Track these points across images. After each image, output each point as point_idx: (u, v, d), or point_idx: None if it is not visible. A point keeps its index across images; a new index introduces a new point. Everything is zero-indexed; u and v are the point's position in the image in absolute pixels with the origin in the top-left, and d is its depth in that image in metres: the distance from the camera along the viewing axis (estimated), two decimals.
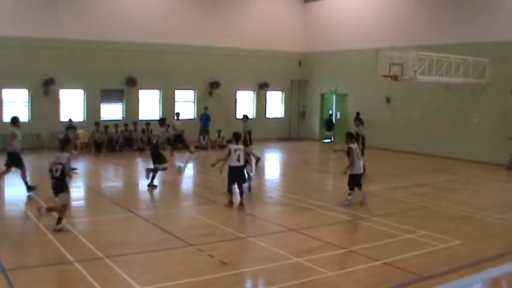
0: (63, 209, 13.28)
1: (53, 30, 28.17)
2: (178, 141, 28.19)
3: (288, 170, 25.12)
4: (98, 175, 23.32)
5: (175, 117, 28.96)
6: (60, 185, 13.32)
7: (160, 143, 19.23)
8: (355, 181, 16.41)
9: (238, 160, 15.88)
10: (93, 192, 18.83)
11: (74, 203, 16.98)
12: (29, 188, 17.88)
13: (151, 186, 18.57)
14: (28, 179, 18.17)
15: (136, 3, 31.12)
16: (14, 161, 17.85)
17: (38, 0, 28.12)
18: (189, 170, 24.99)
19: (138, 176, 22.12)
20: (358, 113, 26.09)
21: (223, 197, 16.64)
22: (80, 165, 24.41)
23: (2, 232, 13.40)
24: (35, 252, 11.60)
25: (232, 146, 16.08)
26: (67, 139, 15.88)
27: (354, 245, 12.30)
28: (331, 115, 35.85)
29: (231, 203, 15.96)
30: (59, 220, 13.16)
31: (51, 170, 13.36)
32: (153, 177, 18.52)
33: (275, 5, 36.32)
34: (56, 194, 13.40)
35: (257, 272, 10.66)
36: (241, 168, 16.18)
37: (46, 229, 13.02)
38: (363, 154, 19.01)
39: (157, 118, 27.18)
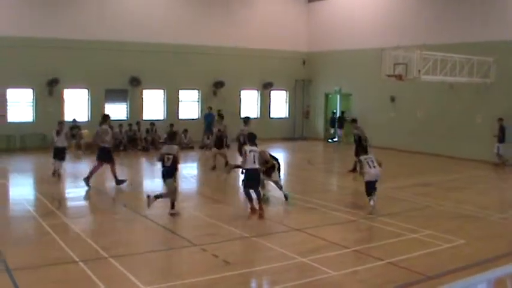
0: (173, 194, 15.02)
1: (57, 30, 28.22)
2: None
3: (292, 169, 25.10)
4: (102, 175, 23.29)
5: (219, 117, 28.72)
6: (170, 173, 14.99)
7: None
8: (369, 187, 16.07)
9: (254, 162, 14.88)
10: (97, 191, 18.83)
11: (78, 202, 17.12)
12: (119, 182, 19.10)
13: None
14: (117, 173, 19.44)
15: (140, 3, 31.15)
16: (106, 156, 19.19)
17: (42, 0, 28.16)
18: (193, 170, 24.98)
19: (142, 176, 22.14)
20: (353, 119, 25.39)
21: (227, 196, 16.64)
22: (84, 165, 24.44)
23: (7, 232, 13.43)
24: (39, 251, 11.61)
25: (247, 148, 15.14)
26: (174, 132, 17.25)
27: (358, 245, 12.29)
28: (334, 113, 35.74)
29: (253, 210, 14.81)
30: (172, 205, 14.94)
31: (162, 160, 15.03)
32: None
33: (279, 5, 36.30)
34: (165, 181, 15.03)
35: (261, 271, 10.66)
36: (257, 170, 15.10)
37: (50, 228, 13.06)
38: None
39: (161, 118, 27.18)
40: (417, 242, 12.73)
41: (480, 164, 25.61)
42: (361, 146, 21.34)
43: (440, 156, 27.50)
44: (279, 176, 17.15)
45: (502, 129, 25.08)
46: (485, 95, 26.30)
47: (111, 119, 29.30)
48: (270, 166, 16.16)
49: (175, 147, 15.29)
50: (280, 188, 16.53)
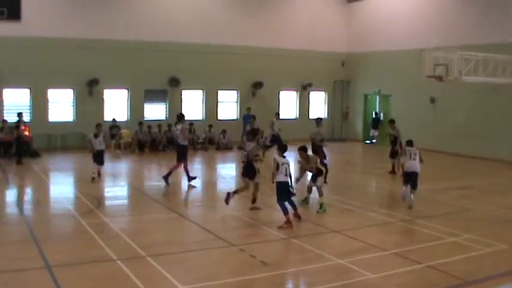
0: (255, 190, 15.83)
1: (96, 31, 28.54)
2: (275, 141, 26.52)
3: (331, 171, 24.94)
4: (141, 174, 23.53)
5: (276, 117, 28.93)
6: (247, 169, 15.78)
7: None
8: (406, 178, 16.76)
9: (286, 175, 14.19)
10: (137, 191, 18.99)
11: (117, 202, 17.29)
12: (190, 178, 19.57)
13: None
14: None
15: (179, 4, 31.32)
16: (182, 155, 19.67)
17: (82, 1, 28.53)
18: (232, 170, 25.01)
19: (180, 176, 22.23)
20: (391, 119, 25.27)
21: (265, 197, 16.61)
22: (123, 165, 24.73)
23: (48, 229, 13.66)
24: (79, 249, 11.74)
25: (279, 159, 14.37)
26: (255, 130, 18.56)
27: (396, 247, 12.17)
28: (376, 113, 35.49)
29: (289, 223, 13.82)
30: (254, 200, 15.83)
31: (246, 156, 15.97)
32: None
33: (318, 5, 36.15)
34: (249, 177, 15.72)
35: (298, 273, 10.64)
36: (288, 183, 14.33)
37: (89, 227, 13.21)
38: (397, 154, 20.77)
39: (200, 118, 27.22)
40: (457, 245, 12.56)
41: None
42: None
43: (481, 158, 27.08)
44: (325, 182, 17.12)
45: None
46: None
47: (150, 119, 29.95)
48: (318, 172, 16.01)
49: (252, 144, 16.14)
50: (321, 194, 16.09)
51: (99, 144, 20.36)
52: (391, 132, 22.79)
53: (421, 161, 16.84)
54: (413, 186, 16.52)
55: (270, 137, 27.13)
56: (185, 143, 19.90)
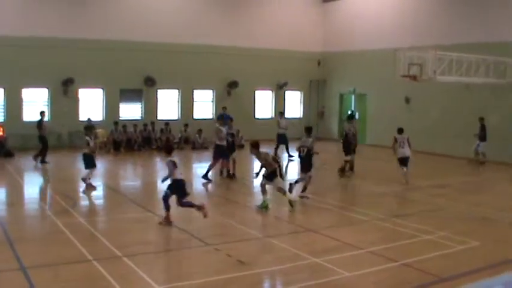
0: (308, 181, 17.29)
1: (72, 30, 28.36)
2: (282, 141, 27.53)
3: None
4: (117, 174, 23.42)
5: (279, 117, 28.92)
6: (306, 163, 17.27)
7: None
8: (400, 162, 20.65)
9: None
10: (112, 191, 18.90)
11: (93, 201, 17.18)
12: (231, 175, 20.76)
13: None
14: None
15: (155, 3, 31.24)
16: (222, 153, 20.56)
17: (57, 0, 28.31)
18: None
19: (156, 176, 22.15)
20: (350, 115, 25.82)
21: (242, 196, 16.64)
22: (99, 165, 24.52)
23: (22, 230, 13.52)
24: (53, 250, 11.64)
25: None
26: (311, 127, 18.92)
27: (372, 246, 12.23)
28: (352, 112, 35.63)
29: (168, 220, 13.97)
30: (304, 189, 17.16)
31: (299, 150, 17.42)
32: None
33: (294, 5, 36.27)
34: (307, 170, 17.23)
35: (275, 272, 10.64)
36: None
37: (64, 227, 13.11)
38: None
39: (176, 118, 27.24)
40: (431, 243, 12.67)
41: (495, 166, 25.45)
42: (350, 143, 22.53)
43: (455, 157, 27.34)
44: (283, 180, 17.23)
45: (483, 129, 25.79)
46: (502, 96, 26.16)
47: (125, 118, 29.79)
48: (272, 171, 15.83)
49: (310, 139, 17.51)
50: (284, 193, 15.99)
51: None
52: (350, 128, 23.11)
53: (409, 146, 20.52)
54: (406, 167, 20.44)
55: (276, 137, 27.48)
56: (222, 142, 20.56)
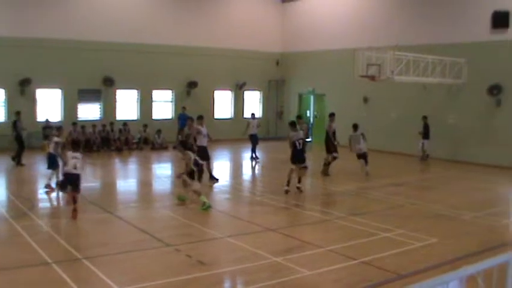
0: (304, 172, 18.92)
1: (29, 30, 27.96)
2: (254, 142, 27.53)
3: (266, 170, 25.13)
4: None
5: (252, 117, 28.75)
6: (303, 154, 18.59)
7: None
8: (358, 157, 22.06)
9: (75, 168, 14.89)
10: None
11: (51, 203, 16.96)
12: (213, 178, 20.35)
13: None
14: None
15: (113, 3, 30.99)
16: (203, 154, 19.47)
17: None
18: (167, 170, 24.91)
19: (115, 177, 22.02)
20: (298, 115, 26.25)
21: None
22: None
23: None
24: (11, 253, 11.46)
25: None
26: (294, 122, 19.83)
27: (332, 244, 12.33)
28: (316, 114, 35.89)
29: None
30: (299, 180, 18.47)
31: (294, 144, 18.45)
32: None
33: (253, 5, 36.36)
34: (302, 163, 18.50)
35: (235, 271, 10.66)
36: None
37: (22, 230, 12.93)
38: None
39: (135, 118, 27.07)
40: (390, 241, 12.83)
41: (452, 164, 25.89)
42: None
43: (413, 156, 27.70)
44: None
45: (426, 127, 26.78)
46: (457, 96, 26.61)
47: (84, 119, 29.49)
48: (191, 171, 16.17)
49: (301, 132, 19.27)
50: (199, 195, 16.08)
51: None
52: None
53: (365, 140, 22.00)
54: (366, 162, 21.87)
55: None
56: (203, 143, 20.28)
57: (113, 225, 14.25)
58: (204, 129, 20.49)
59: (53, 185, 17.95)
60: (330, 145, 22.25)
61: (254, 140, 27.27)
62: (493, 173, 23.47)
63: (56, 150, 18.28)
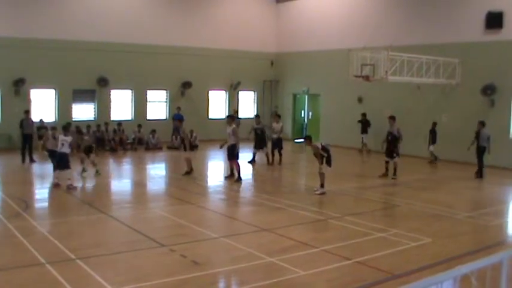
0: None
1: (23, 30, 27.94)
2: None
3: (260, 170, 25.14)
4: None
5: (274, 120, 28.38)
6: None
7: None
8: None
9: None
10: (65, 192, 18.65)
11: (45, 204, 16.97)
12: (239, 178, 20.62)
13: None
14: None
15: (108, 3, 30.96)
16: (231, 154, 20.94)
17: None
18: (161, 170, 24.93)
19: (109, 177, 21.99)
20: (256, 115, 26.95)
21: (196, 197, 16.63)
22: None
23: None
24: (6, 254, 11.46)
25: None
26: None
27: (326, 244, 12.34)
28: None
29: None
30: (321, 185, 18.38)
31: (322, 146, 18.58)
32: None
33: (247, 5, 36.37)
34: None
35: (230, 272, 10.67)
36: None
37: (16, 231, 12.91)
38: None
39: (129, 118, 27.09)
40: (384, 241, 12.86)
41: (446, 164, 25.95)
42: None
43: (407, 156, 27.72)
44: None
45: (434, 132, 26.78)
46: (451, 96, 26.67)
47: (78, 119, 29.43)
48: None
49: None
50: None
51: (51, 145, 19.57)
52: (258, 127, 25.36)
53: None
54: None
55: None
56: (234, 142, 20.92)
57: (108, 226, 14.24)
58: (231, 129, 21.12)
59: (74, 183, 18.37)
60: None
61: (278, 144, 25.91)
62: (487, 172, 23.52)
63: (66, 149, 18.53)
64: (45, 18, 28.73)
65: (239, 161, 21.12)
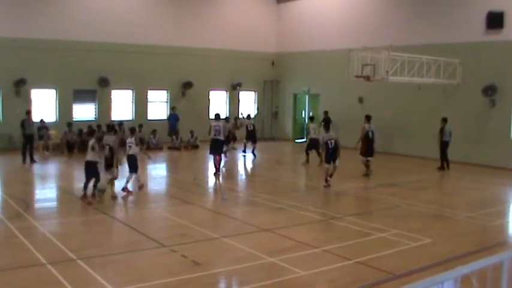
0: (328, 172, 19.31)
1: (24, 30, 27.92)
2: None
3: (261, 170, 25.15)
4: (70, 176, 23.12)
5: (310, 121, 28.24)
6: (334, 153, 19.28)
7: None
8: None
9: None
10: (66, 193, 18.66)
11: (46, 204, 16.96)
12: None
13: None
14: None
15: (108, 4, 30.95)
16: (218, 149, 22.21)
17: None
18: (162, 170, 24.93)
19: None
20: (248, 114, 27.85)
21: (197, 197, 16.64)
22: (52, 167, 24.29)
23: None
24: (7, 254, 11.47)
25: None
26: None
27: (327, 245, 12.35)
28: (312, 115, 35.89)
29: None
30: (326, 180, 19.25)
31: (327, 143, 19.17)
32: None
33: (248, 5, 36.38)
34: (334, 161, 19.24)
35: (231, 272, 10.67)
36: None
37: (17, 231, 12.92)
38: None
39: (130, 118, 27.08)
40: (385, 241, 12.86)
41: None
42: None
43: (407, 156, 27.77)
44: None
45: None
46: (452, 96, 26.66)
47: (79, 119, 29.45)
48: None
49: (333, 133, 19.96)
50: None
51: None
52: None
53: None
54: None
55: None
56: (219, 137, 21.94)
57: (108, 226, 14.26)
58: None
59: (130, 187, 17.90)
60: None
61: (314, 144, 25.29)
62: (488, 173, 23.53)
63: (134, 150, 18.43)
64: (46, 19, 28.73)
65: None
